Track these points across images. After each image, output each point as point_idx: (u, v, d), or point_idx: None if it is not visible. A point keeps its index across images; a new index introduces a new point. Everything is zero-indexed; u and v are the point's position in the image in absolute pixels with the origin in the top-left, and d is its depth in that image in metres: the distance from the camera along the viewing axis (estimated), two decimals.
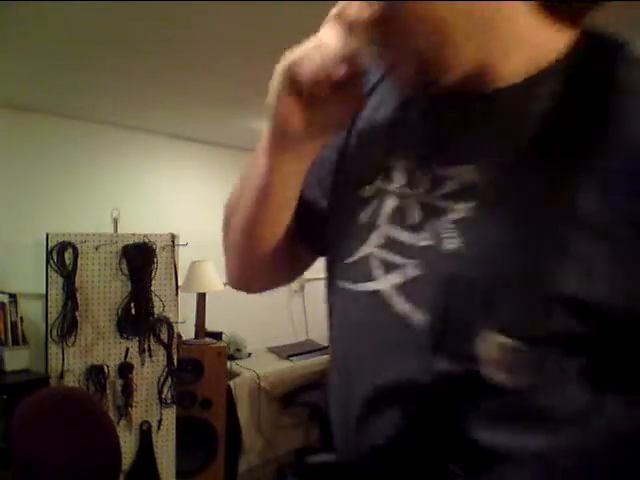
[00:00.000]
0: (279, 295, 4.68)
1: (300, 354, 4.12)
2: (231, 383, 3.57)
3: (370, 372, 0.66)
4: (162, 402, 3.26)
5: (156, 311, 3.23)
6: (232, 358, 3.82)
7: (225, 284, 3.68)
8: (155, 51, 2.22)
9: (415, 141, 0.67)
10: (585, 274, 0.53)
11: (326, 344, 4.37)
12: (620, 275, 0.52)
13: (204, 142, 4.09)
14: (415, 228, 0.63)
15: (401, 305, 0.62)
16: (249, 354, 4.04)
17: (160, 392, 3.25)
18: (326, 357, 4.23)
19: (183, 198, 3.99)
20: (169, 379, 3.27)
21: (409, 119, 0.69)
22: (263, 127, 0.71)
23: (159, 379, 3.26)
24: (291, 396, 3.93)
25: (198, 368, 3.43)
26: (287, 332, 4.70)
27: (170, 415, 3.30)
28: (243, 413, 3.60)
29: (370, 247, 0.67)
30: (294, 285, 4.58)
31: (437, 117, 0.65)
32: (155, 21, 1.92)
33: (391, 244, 0.65)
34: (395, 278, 0.63)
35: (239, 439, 3.60)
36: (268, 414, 3.80)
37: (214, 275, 3.60)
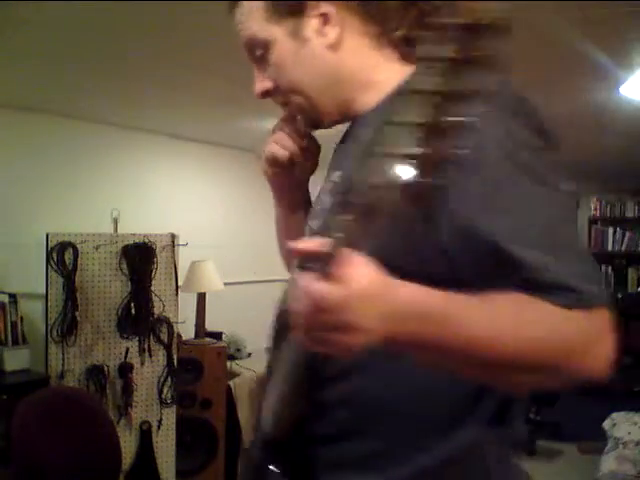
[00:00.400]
0: (279, 295, 4.65)
1: None
2: (231, 383, 3.57)
3: None
4: (162, 402, 3.26)
5: (156, 311, 3.23)
6: (232, 358, 3.82)
7: (225, 284, 3.69)
8: (155, 51, 2.22)
9: (332, 158, 0.97)
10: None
11: None
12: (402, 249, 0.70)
13: (204, 142, 4.09)
14: (316, 216, 0.93)
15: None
16: (249, 354, 4.04)
17: (160, 392, 3.25)
18: None
19: (183, 198, 3.99)
20: (169, 379, 3.27)
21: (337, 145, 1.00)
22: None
23: (159, 379, 3.26)
24: None
25: (198, 368, 3.43)
26: None
27: (170, 415, 3.30)
28: (243, 413, 3.60)
29: (307, 233, 0.94)
30: None
31: (340, 140, 0.96)
32: (155, 21, 1.92)
33: (310, 229, 0.93)
34: None
35: (239, 439, 3.60)
36: None
37: (214, 275, 3.60)
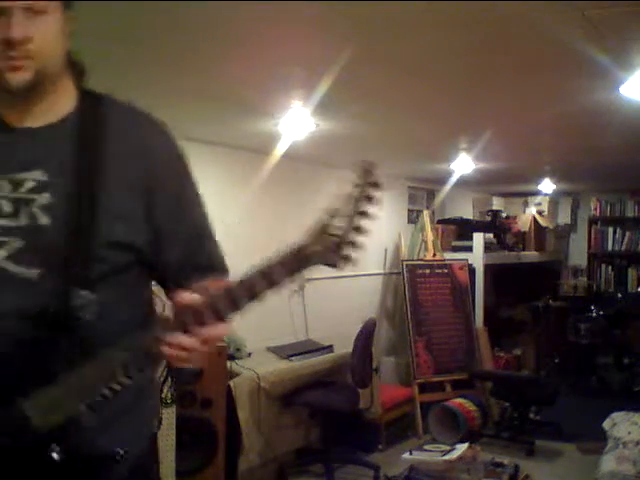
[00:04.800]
0: (279, 295, 4.65)
1: (300, 354, 4.12)
2: (231, 383, 3.57)
3: None
4: (162, 402, 3.26)
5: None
6: (232, 358, 3.82)
7: None
8: (156, 52, 2.22)
9: None
10: (123, 228, 1.08)
11: (326, 344, 4.37)
12: (142, 230, 1.13)
13: (204, 142, 4.09)
14: (12, 215, 1.02)
15: (14, 268, 1.00)
16: (249, 354, 4.04)
17: (160, 392, 3.25)
18: (326, 357, 4.23)
19: None
20: (169, 379, 3.27)
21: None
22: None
23: (159, 379, 3.26)
24: (291, 396, 3.93)
25: (198, 368, 3.43)
26: (287, 332, 4.70)
27: (170, 415, 3.30)
28: (243, 413, 3.60)
29: None
30: (294, 285, 4.56)
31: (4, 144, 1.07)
32: (156, 21, 1.92)
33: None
34: (3, 252, 1.01)
35: (239, 439, 3.60)
36: (268, 414, 3.81)
37: None
